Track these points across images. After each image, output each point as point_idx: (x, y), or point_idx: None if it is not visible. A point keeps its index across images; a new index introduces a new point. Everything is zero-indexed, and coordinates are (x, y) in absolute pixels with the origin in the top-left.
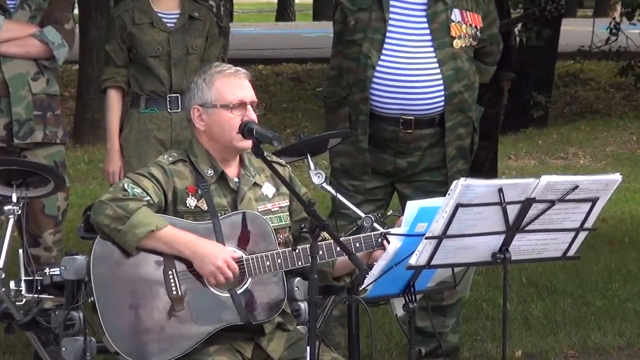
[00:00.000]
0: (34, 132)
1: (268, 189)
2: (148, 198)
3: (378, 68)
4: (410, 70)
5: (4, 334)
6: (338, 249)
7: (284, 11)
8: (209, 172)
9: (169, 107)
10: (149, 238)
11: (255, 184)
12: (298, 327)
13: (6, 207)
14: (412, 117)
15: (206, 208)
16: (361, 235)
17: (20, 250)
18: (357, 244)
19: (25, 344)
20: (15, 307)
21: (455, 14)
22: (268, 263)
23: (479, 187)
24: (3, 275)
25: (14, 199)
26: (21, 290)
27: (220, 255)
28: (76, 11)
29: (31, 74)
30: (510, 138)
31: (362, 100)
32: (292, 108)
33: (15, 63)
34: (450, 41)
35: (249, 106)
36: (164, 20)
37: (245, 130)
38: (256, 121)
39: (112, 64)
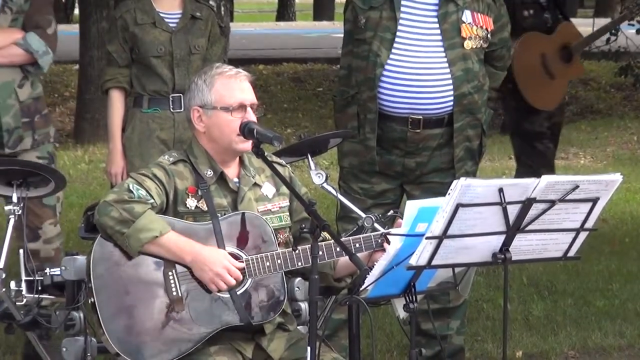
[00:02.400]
0: (23, 140)
1: (268, 189)
2: (152, 200)
3: (387, 67)
4: (420, 70)
5: (4, 334)
6: (338, 249)
7: (285, 11)
8: (209, 172)
9: (171, 107)
10: (152, 243)
11: (255, 184)
12: (298, 327)
13: (7, 207)
14: (421, 117)
15: (206, 209)
16: (361, 235)
17: (21, 250)
18: (357, 245)
19: (26, 344)
20: (16, 307)
21: (467, 15)
22: (268, 264)
23: (480, 187)
24: (4, 276)
25: (15, 199)
26: (22, 291)
27: (219, 262)
28: (76, 11)
29: (17, 81)
30: None
31: (371, 99)
32: (293, 108)
33: (1, 72)
34: (461, 42)
35: (248, 108)
36: (166, 20)
37: (245, 130)
38: (255, 122)
39: (114, 64)
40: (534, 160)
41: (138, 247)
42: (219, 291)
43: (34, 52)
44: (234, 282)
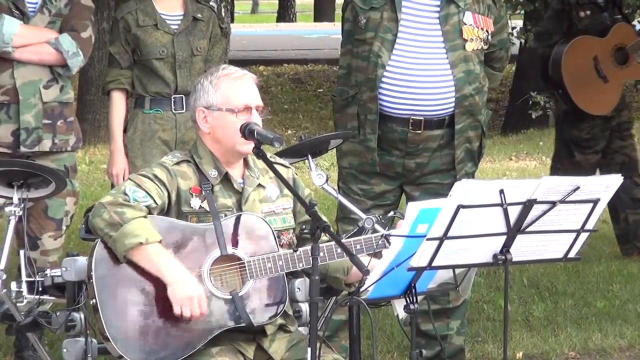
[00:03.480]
0: (42, 141)
1: (272, 190)
2: (150, 202)
3: (388, 68)
4: (421, 71)
5: (5, 335)
6: (339, 250)
7: (285, 12)
8: (213, 173)
9: (173, 107)
10: (136, 250)
11: (259, 185)
12: (299, 328)
13: (7, 209)
14: (422, 118)
15: (209, 209)
16: (361, 237)
17: (22, 252)
18: (358, 246)
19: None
20: (17, 309)
21: (468, 17)
22: (269, 265)
23: (480, 189)
24: (4, 277)
25: (15, 200)
26: (22, 292)
27: (193, 292)
28: None
29: (44, 81)
30: (511, 139)
31: (371, 99)
32: (293, 109)
33: (28, 69)
34: (463, 44)
35: (254, 110)
36: (168, 22)
37: (246, 131)
38: (257, 123)
39: (116, 65)
40: (564, 166)
41: (123, 252)
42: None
43: (63, 51)
44: (197, 314)
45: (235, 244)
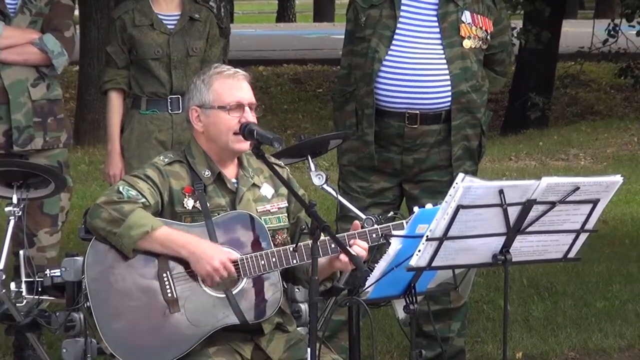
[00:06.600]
0: (34, 139)
1: (267, 190)
2: (143, 200)
3: (385, 62)
4: (417, 65)
5: (4, 335)
6: (333, 245)
7: (285, 12)
8: (206, 173)
9: (169, 108)
10: (145, 239)
11: (254, 184)
12: (298, 328)
13: (7, 209)
14: (418, 112)
15: (201, 208)
16: (356, 232)
17: (21, 252)
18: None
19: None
20: (16, 309)
21: (466, 16)
22: (263, 262)
23: (480, 189)
24: (4, 277)
25: (15, 200)
26: (21, 292)
27: (217, 256)
28: (76, 12)
29: (31, 80)
30: (511, 139)
31: (368, 94)
32: (293, 109)
33: (14, 70)
34: (460, 41)
35: (247, 108)
36: (164, 22)
37: (245, 131)
38: (255, 123)
39: (113, 65)
40: None
41: (131, 245)
42: (213, 285)
43: (48, 51)
44: (227, 275)
45: (228, 242)
